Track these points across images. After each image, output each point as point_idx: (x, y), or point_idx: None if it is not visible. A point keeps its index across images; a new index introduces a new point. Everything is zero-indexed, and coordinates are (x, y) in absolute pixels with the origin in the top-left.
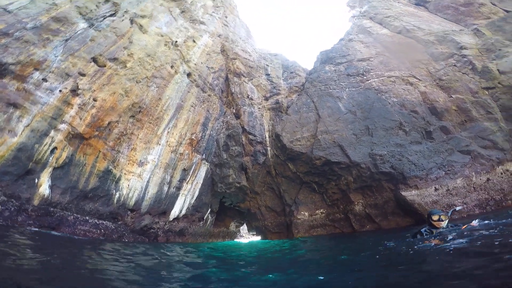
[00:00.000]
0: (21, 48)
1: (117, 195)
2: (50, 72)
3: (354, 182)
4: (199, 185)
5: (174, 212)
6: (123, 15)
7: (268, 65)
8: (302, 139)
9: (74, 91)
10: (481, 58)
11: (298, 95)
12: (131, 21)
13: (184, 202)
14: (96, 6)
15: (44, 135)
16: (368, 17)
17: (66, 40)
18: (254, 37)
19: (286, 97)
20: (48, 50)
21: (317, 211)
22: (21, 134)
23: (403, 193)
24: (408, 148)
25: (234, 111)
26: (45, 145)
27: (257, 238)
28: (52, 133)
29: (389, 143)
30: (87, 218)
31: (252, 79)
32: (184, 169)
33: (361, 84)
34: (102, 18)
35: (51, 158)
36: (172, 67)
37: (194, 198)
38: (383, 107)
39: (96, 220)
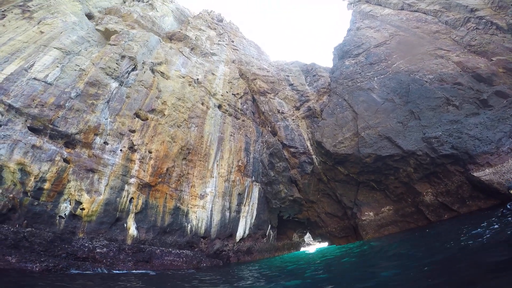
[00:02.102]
0: (77, 117)
1: (189, 226)
2: (107, 135)
3: (415, 172)
4: (255, 205)
5: (239, 234)
6: (143, 67)
7: (288, 75)
8: (345, 140)
9: (132, 148)
10: (499, 16)
11: (328, 96)
12: (152, 71)
13: (245, 223)
14: (116, 63)
15: (121, 190)
16: (364, 1)
17: (108, 102)
18: (265, 50)
19: (316, 101)
20: (98, 115)
21: (382, 209)
22: (104, 192)
23: (476, 174)
24: (465, 122)
25: (269, 129)
26: (124, 197)
27: (324, 245)
28: (126, 187)
29: (441, 122)
30: (170, 249)
31: (277, 93)
32: (239, 194)
33: (388, 70)
34: (127, 74)
35: (131, 206)
36: (202, 104)
37: (253, 217)
38: (421, 87)
39: (177, 250)
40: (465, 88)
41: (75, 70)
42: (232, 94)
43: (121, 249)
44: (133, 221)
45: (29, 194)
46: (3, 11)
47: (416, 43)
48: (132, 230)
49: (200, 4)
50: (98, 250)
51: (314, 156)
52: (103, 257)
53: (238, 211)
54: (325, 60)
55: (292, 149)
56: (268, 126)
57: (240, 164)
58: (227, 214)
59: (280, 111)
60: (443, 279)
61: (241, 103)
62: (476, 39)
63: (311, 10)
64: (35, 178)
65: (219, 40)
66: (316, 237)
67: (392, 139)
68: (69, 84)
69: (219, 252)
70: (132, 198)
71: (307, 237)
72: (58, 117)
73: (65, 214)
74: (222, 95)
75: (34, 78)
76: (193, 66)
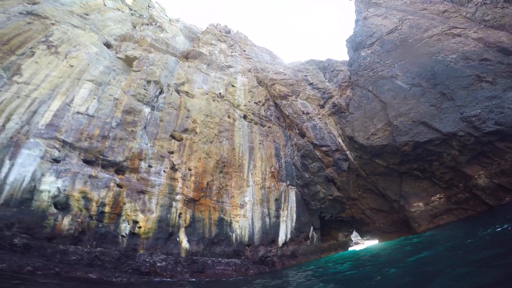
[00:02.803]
0: (122, 146)
1: (234, 235)
2: (150, 159)
3: (461, 154)
4: (294, 209)
5: (281, 238)
6: (169, 89)
7: (306, 75)
8: (377, 131)
9: (173, 168)
10: None
11: (351, 89)
12: (177, 92)
13: (286, 227)
14: (144, 89)
15: (169, 207)
16: None
17: (145, 127)
18: (278, 54)
19: (340, 96)
20: (139, 141)
21: (432, 198)
22: (156, 210)
23: None
24: (504, 97)
25: (297, 131)
26: (173, 214)
27: (374, 242)
28: (174, 204)
29: (478, 99)
30: (220, 259)
31: (298, 95)
32: (276, 199)
33: (407, 55)
34: (156, 98)
35: (180, 221)
36: (229, 116)
37: (294, 221)
38: (446, 68)
39: (226, 259)
40: (494, 63)
41: (110, 100)
42: (254, 102)
43: (177, 261)
44: (184, 235)
45: (93, 217)
46: (30, 48)
47: (428, 24)
48: (185, 243)
49: (203, 18)
50: (158, 264)
51: (348, 152)
52: (163, 270)
53: (278, 216)
54: (337, 54)
55: (323, 148)
56: (295, 129)
57: (273, 170)
58: (267, 220)
59: (305, 111)
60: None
61: (264, 110)
62: (488, 14)
63: (314, 9)
64: (96, 203)
65: (231, 52)
66: (364, 234)
67: (428, 123)
68: (108, 115)
69: (264, 258)
70: (180, 213)
71: (355, 236)
72: (106, 147)
73: (125, 233)
74: (245, 105)
75: (78, 112)
76: (213, 81)
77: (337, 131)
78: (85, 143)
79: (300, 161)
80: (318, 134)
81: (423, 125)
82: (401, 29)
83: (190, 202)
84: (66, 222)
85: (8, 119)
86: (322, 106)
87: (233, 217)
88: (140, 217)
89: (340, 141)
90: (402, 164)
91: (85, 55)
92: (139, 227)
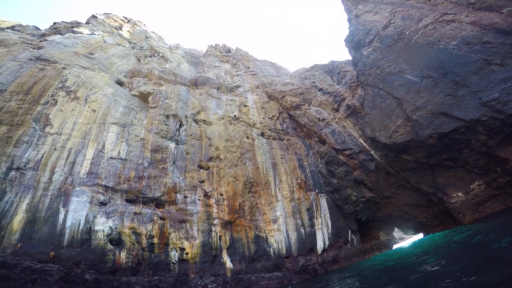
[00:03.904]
0: (157, 183)
1: (271, 250)
2: (184, 190)
3: (490, 138)
4: (328, 215)
5: (319, 246)
6: (187, 121)
7: (314, 81)
8: (398, 128)
9: (206, 195)
10: None
11: (362, 88)
12: (195, 121)
13: (323, 234)
14: (165, 124)
15: (209, 231)
16: None
17: (174, 162)
18: (282, 64)
19: (352, 96)
20: (171, 176)
21: (471, 186)
22: (198, 236)
23: None
24: None
25: (316, 139)
26: (214, 237)
27: (419, 236)
28: (213, 228)
29: (492, 83)
30: (262, 274)
31: (310, 103)
32: (308, 209)
33: (408, 48)
34: (177, 132)
35: (221, 243)
36: (247, 137)
37: (329, 227)
38: (451, 56)
39: (268, 274)
40: (497, 45)
41: (137, 141)
42: (269, 118)
43: (225, 281)
44: (227, 256)
45: (145, 249)
46: (52, 96)
47: (419, 14)
48: (228, 263)
49: (200, 38)
50: (209, 286)
51: (372, 152)
52: None
53: (312, 225)
54: (336, 54)
55: (347, 152)
56: (314, 137)
57: (299, 181)
58: (302, 230)
59: (320, 118)
60: None
61: (279, 124)
62: None
63: (307, 12)
64: (145, 236)
65: (236, 71)
66: (407, 230)
67: (448, 113)
68: (139, 156)
69: (305, 267)
70: (220, 236)
71: (397, 232)
72: (143, 186)
73: (175, 260)
74: (260, 123)
75: (111, 157)
76: (226, 105)
77: (357, 132)
78: (125, 185)
79: (325, 168)
80: (338, 139)
81: (444, 115)
82: (394, 22)
83: (227, 224)
84: (123, 256)
85: (52, 172)
86: (337, 110)
87: (268, 233)
88: (186, 244)
89: (362, 141)
90: (430, 157)
91: (103, 98)
92: (186, 253)
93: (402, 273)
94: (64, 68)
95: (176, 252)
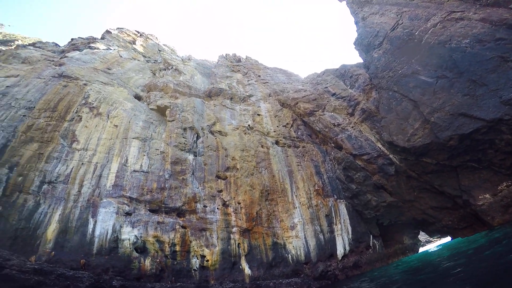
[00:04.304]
0: (178, 194)
1: (289, 256)
2: (203, 200)
3: None
4: (348, 221)
5: (340, 252)
6: (204, 133)
7: (326, 87)
8: (416, 131)
9: (224, 204)
10: None
11: (376, 91)
12: (211, 133)
13: (343, 240)
14: (183, 137)
15: (228, 239)
16: None
17: (193, 173)
18: (291, 69)
19: (367, 100)
20: (190, 186)
21: (499, 187)
22: (218, 244)
23: None
24: None
25: (332, 145)
26: (233, 245)
27: (447, 239)
28: (231, 236)
29: (511, 80)
30: (281, 280)
31: (324, 108)
32: (326, 215)
33: (419, 48)
34: (195, 144)
35: (240, 250)
36: (262, 146)
37: (350, 233)
38: (465, 54)
39: (287, 280)
40: (511, 41)
41: (157, 154)
42: (283, 126)
43: (243, 287)
44: (245, 262)
45: (168, 257)
46: (76, 113)
47: (426, 13)
48: (247, 270)
49: (207, 46)
50: None
51: (391, 156)
52: None
53: (331, 231)
54: (348, 58)
55: (364, 157)
56: (330, 143)
57: (316, 188)
58: (321, 236)
59: (335, 123)
60: None
61: (294, 131)
62: None
63: (313, 17)
64: (168, 244)
65: (248, 80)
66: (433, 233)
67: (468, 114)
68: (160, 168)
69: (324, 273)
70: (239, 243)
71: (423, 236)
72: (165, 197)
73: (196, 267)
74: (274, 131)
75: (134, 171)
76: (240, 115)
77: (374, 136)
78: (148, 196)
79: (343, 173)
80: (355, 144)
81: (463, 116)
82: (402, 23)
83: (245, 232)
84: (147, 263)
85: (81, 185)
86: (352, 114)
87: (286, 239)
88: (206, 251)
89: (380, 146)
90: (453, 159)
91: (124, 113)
92: (207, 260)
93: (426, 276)
94: (85, 84)
95: (197, 259)
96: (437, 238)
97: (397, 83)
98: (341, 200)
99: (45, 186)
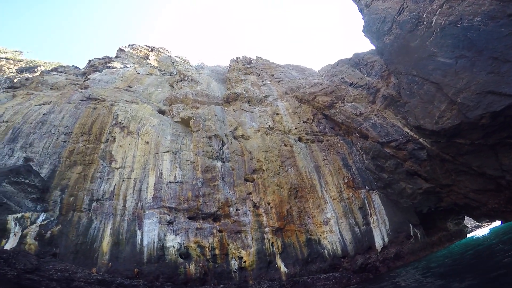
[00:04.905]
0: (211, 200)
1: (325, 251)
2: (235, 203)
3: None
4: (383, 211)
5: (378, 244)
6: (228, 139)
7: (342, 77)
8: (444, 113)
9: (255, 205)
10: None
11: (394, 76)
12: (235, 138)
13: (380, 231)
14: (209, 145)
15: (262, 239)
16: None
17: (223, 179)
18: (307, 65)
19: (387, 86)
20: (222, 192)
21: None
22: (253, 244)
23: None
24: None
25: (357, 135)
26: (267, 244)
27: (496, 224)
28: (265, 236)
29: None
30: (318, 275)
31: (344, 99)
32: (360, 207)
33: (431, 30)
34: (221, 151)
35: (274, 249)
36: (285, 145)
37: (387, 224)
38: (480, 32)
39: (324, 275)
40: None
41: (188, 164)
42: (303, 122)
43: (281, 285)
44: (281, 261)
45: (209, 260)
46: (109, 133)
47: None
48: (283, 268)
49: (215, 49)
50: None
51: (421, 140)
52: None
53: (367, 223)
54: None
55: (393, 144)
56: (355, 133)
57: (346, 180)
58: (357, 229)
59: (357, 113)
60: None
61: (316, 126)
62: None
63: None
64: (208, 249)
65: (262, 81)
66: (479, 218)
67: (496, 91)
68: (192, 177)
69: (364, 266)
70: (272, 242)
71: (471, 220)
72: (200, 204)
73: (235, 268)
74: (296, 128)
75: (170, 182)
76: (259, 117)
77: (400, 121)
78: (185, 205)
79: (372, 163)
80: (381, 131)
81: (491, 94)
82: (407, 6)
83: (277, 231)
84: (192, 267)
85: (125, 200)
86: (373, 102)
87: (320, 235)
88: (243, 252)
89: (408, 130)
90: (488, 137)
91: (152, 129)
92: (244, 261)
93: (474, 263)
94: (112, 105)
95: (236, 261)
96: (487, 222)
97: (415, 67)
98: (374, 191)
99: (94, 204)
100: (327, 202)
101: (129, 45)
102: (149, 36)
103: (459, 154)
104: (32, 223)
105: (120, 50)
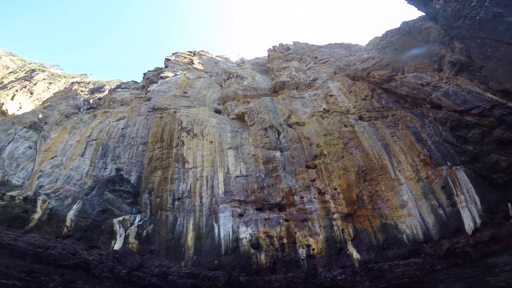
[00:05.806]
0: (275, 190)
1: (404, 236)
2: (299, 192)
3: None
4: (473, 190)
5: (468, 226)
6: (282, 128)
7: (396, 48)
8: None
9: (320, 192)
10: None
11: (457, 40)
12: (290, 126)
13: (470, 212)
14: (266, 137)
15: (331, 226)
16: None
17: (284, 169)
18: (351, 40)
19: (452, 51)
20: (284, 181)
21: None
22: (321, 232)
23: None
24: None
25: (428, 106)
26: (336, 231)
27: None
28: (333, 222)
29: None
30: (396, 262)
31: (403, 71)
32: (442, 187)
33: None
34: (278, 141)
35: (345, 235)
36: (345, 126)
37: (478, 203)
38: None
39: (403, 261)
40: None
41: (250, 158)
42: (361, 99)
43: (354, 272)
44: (353, 247)
45: (278, 249)
46: (178, 138)
47: None
48: (355, 254)
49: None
50: (338, 278)
51: (510, 104)
52: (344, 282)
53: (453, 204)
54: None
55: (474, 111)
56: (424, 104)
57: (422, 157)
58: (441, 211)
59: (423, 83)
60: None
61: (376, 101)
62: None
63: None
64: (276, 238)
65: (306, 65)
66: None
67: None
68: (255, 170)
69: (451, 251)
70: (342, 229)
71: None
72: (266, 195)
73: (303, 256)
74: (354, 107)
75: (236, 176)
76: (311, 101)
77: (479, 87)
78: (252, 197)
79: (451, 134)
80: (456, 99)
81: None
82: None
83: (347, 217)
84: (262, 257)
85: (201, 197)
86: (439, 70)
87: (397, 219)
88: (311, 240)
89: (490, 95)
90: None
91: (213, 129)
92: (313, 249)
93: None
94: (175, 112)
95: (303, 249)
96: None
97: (482, 30)
98: (458, 167)
99: (176, 202)
100: (402, 184)
101: (173, 54)
102: (172, 40)
103: None
104: (131, 224)
105: (167, 59)
